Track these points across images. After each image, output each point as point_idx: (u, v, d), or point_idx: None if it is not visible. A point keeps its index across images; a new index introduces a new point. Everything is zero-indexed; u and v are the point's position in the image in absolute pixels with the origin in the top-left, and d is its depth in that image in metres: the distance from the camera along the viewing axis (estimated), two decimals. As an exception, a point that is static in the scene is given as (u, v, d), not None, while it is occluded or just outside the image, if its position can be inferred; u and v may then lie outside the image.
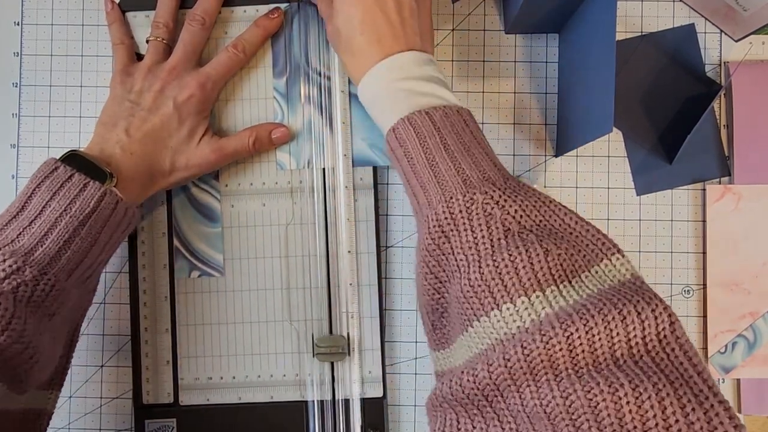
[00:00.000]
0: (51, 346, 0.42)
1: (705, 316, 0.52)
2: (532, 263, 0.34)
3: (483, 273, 0.35)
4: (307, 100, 0.52)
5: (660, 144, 0.53)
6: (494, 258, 0.35)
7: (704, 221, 0.53)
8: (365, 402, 0.51)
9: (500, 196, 0.37)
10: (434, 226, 0.38)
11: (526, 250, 0.34)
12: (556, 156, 0.53)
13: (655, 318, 0.32)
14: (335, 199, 0.52)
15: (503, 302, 0.34)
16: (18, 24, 0.54)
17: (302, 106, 0.52)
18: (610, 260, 0.35)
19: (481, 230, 0.36)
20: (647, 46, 0.53)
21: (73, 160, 0.43)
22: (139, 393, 0.51)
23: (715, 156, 0.53)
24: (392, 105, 0.42)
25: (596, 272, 0.35)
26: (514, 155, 0.53)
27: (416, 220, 0.42)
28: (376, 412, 0.51)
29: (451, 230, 0.37)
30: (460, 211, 0.37)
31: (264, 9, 0.51)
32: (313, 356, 0.51)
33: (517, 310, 0.34)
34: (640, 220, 0.53)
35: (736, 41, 0.53)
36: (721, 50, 0.54)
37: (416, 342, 0.53)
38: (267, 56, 0.52)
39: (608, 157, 0.53)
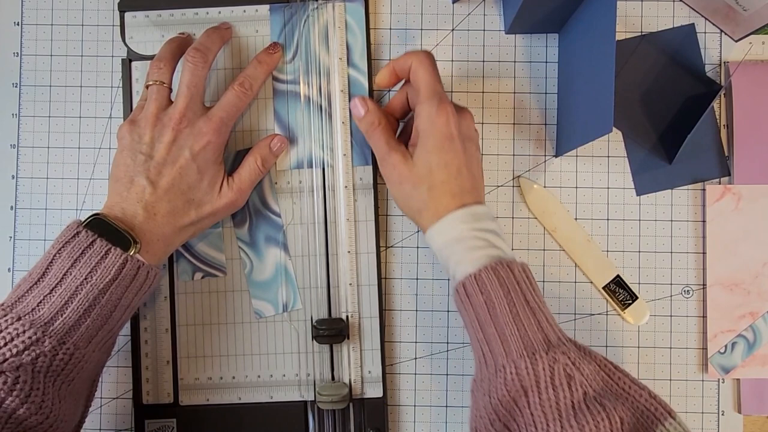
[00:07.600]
0: (72, 409, 0.42)
1: (705, 316, 0.52)
2: (612, 430, 0.37)
3: None
4: (306, 101, 0.52)
5: (660, 144, 0.53)
6: (578, 421, 0.37)
7: (704, 221, 0.53)
8: (365, 402, 0.51)
9: (575, 359, 0.39)
10: (512, 379, 0.39)
11: (608, 416, 0.37)
12: (556, 156, 0.53)
13: None
14: (335, 199, 0.52)
15: None
16: (18, 24, 0.54)
17: (267, 250, 0.52)
18: (664, 426, 0.38)
19: (563, 391, 0.38)
20: (647, 46, 0.53)
21: (97, 224, 0.42)
22: (139, 393, 0.51)
23: (715, 156, 0.53)
24: (472, 251, 0.43)
25: None
26: (514, 155, 0.53)
27: (480, 364, 0.43)
28: (376, 412, 0.51)
29: (531, 386, 0.39)
30: (543, 369, 0.39)
31: (263, 9, 0.52)
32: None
33: None
34: (640, 220, 0.53)
35: (736, 41, 0.53)
36: (721, 50, 0.54)
37: (416, 342, 0.53)
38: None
39: (608, 157, 0.53)
